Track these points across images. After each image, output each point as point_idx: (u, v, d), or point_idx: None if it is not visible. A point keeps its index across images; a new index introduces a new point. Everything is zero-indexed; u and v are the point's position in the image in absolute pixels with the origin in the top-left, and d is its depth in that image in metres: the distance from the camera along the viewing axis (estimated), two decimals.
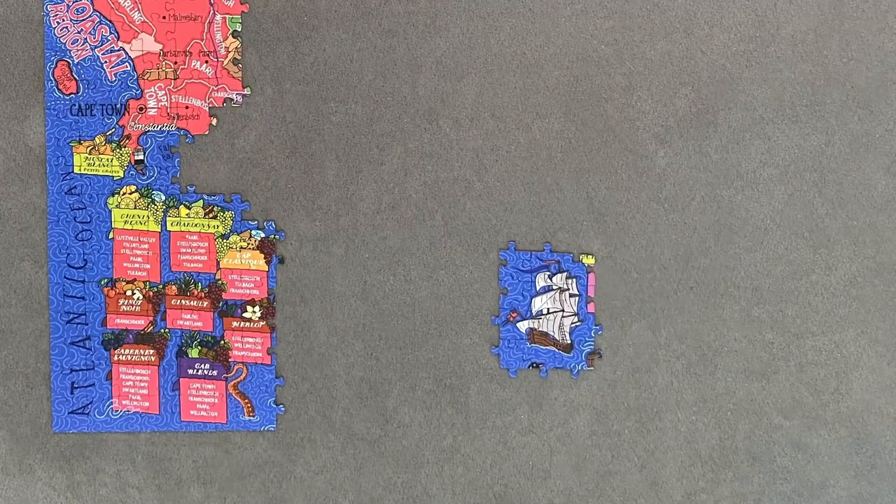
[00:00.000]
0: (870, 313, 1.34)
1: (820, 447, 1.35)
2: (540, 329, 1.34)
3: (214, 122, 1.34)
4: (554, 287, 1.33)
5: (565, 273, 1.34)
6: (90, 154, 1.33)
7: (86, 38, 1.33)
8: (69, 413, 1.34)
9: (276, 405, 1.34)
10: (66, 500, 1.34)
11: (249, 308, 1.34)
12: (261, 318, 1.34)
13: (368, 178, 1.34)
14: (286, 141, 1.34)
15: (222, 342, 1.34)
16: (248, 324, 1.34)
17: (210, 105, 1.34)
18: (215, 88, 1.34)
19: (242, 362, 1.34)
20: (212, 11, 1.33)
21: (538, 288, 1.34)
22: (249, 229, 1.34)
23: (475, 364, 1.35)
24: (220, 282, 1.34)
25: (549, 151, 1.34)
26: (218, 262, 1.34)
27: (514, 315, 1.34)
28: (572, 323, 1.34)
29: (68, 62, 1.33)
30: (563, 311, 1.33)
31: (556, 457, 1.35)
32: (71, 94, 1.33)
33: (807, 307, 1.34)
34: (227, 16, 1.34)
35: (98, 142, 1.33)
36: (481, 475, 1.35)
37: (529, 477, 1.35)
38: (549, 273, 1.34)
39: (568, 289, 1.33)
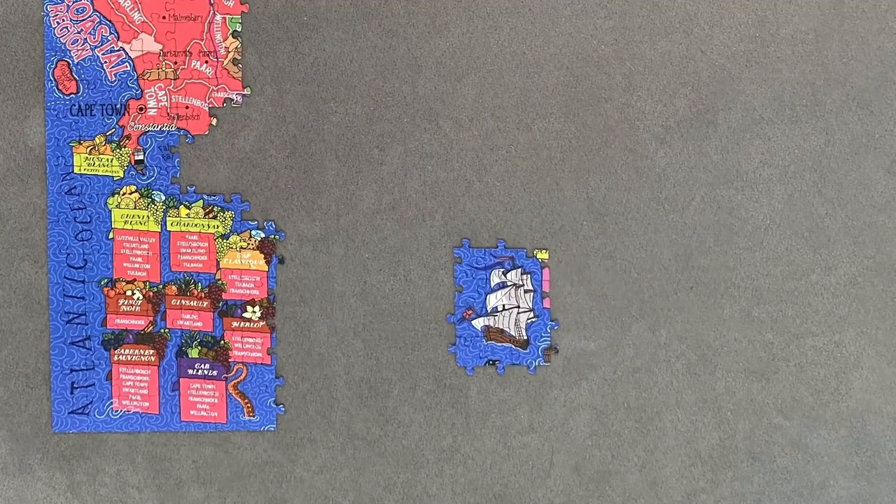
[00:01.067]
0: (870, 313, 1.34)
1: (820, 447, 1.35)
2: (496, 326, 1.34)
3: (214, 122, 1.34)
4: (508, 283, 1.33)
5: (519, 269, 1.34)
6: (90, 154, 1.33)
7: (86, 38, 1.33)
8: (69, 413, 1.34)
9: (276, 405, 1.34)
10: (66, 500, 1.34)
11: (249, 308, 1.34)
12: (261, 318, 1.34)
13: (368, 178, 1.34)
14: (286, 141, 1.34)
15: (222, 342, 1.34)
16: (248, 324, 1.34)
17: (210, 105, 1.34)
18: (215, 88, 1.34)
19: (242, 362, 1.34)
20: (212, 11, 1.33)
21: (493, 285, 1.34)
22: (249, 229, 1.34)
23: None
24: (220, 282, 1.34)
25: (549, 151, 1.34)
26: (218, 262, 1.34)
27: (469, 313, 1.34)
28: (528, 319, 1.34)
29: (68, 62, 1.33)
30: (518, 307, 1.33)
31: (556, 457, 1.35)
32: (71, 94, 1.33)
33: (807, 307, 1.34)
34: (227, 16, 1.34)
35: (98, 142, 1.33)
36: (481, 475, 1.35)
37: (529, 477, 1.35)
38: (503, 269, 1.34)
39: (523, 285, 1.34)
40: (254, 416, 1.34)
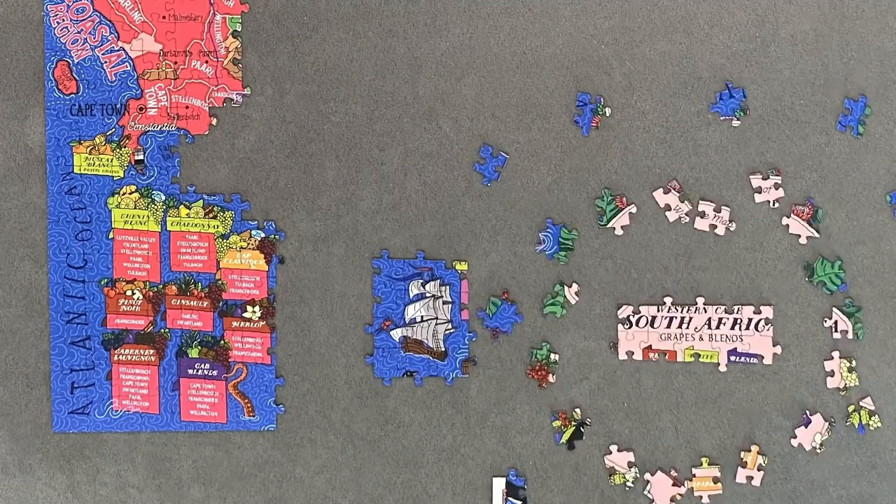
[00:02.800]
0: (870, 313, 1.34)
1: (820, 447, 1.35)
2: (414, 337, 1.33)
3: (214, 122, 1.34)
4: (427, 295, 1.33)
5: (438, 280, 1.34)
6: (90, 154, 1.33)
7: (86, 38, 1.33)
8: (69, 413, 1.34)
9: (276, 405, 1.34)
10: (66, 500, 1.34)
11: (249, 308, 1.34)
12: (261, 318, 1.34)
13: (368, 178, 1.34)
14: (286, 141, 1.34)
15: (222, 342, 1.34)
16: (248, 324, 1.34)
17: (210, 105, 1.34)
18: (215, 88, 1.34)
19: (242, 362, 1.34)
20: (212, 11, 1.33)
21: (411, 296, 1.33)
22: (249, 229, 1.34)
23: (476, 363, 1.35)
24: (220, 282, 1.34)
25: (549, 151, 1.34)
26: (218, 262, 1.34)
27: (387, 324, 1.33)
28: (446, 330, 1.34)
29: (68, 62, 1.33)
30: (436, 318, 1.33)
31: (556, 456, 1.35)
32: (71, 94, 1.33)
33: (807, 307, 1.34)
34: (227, 16, 1.34)
35: (98, 142, 1.33)
36: (481, 475, 1.35)
37: (529, 477, 1.35)
38: (421, 280, 1.33)
39: (441, 296, 1.34)
40: (254, 416, 1.34)
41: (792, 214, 1.31)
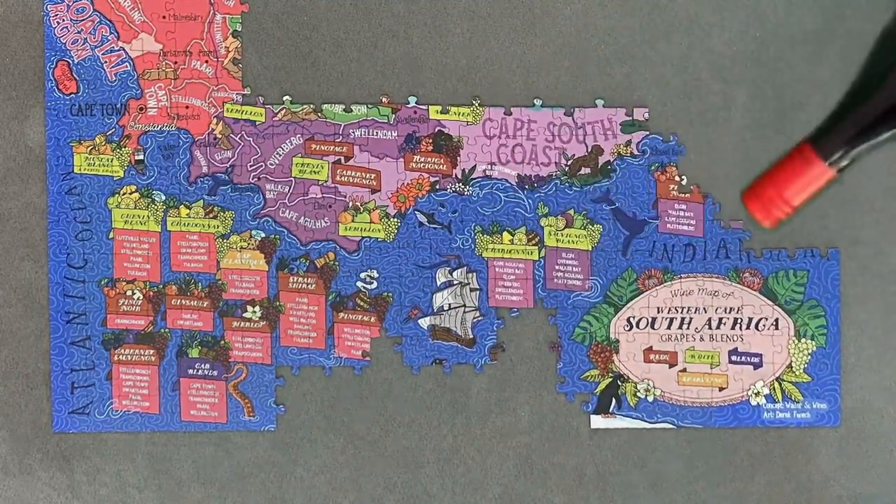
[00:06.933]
0: (870, 313, 1.34)
1: (820, 447, 1.35)
2: (442, 325, 1.33)
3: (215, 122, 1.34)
4: (455, 282, 1.33)
5: (465, 267, 1.33)
6: (90, 154, 1.33)
7: (86, 38, 1.33)
8: (69, 413, 1.34)
9: (276, 405, 1.34)
10: (66, 500, 1.34)
11: (249, 308, 1.34)
12: (261, 318, 1.34)
13: None
14: None
15: (222, 342, 1.34)
16: (248, 324, 1.34)
17: (210, 105, 1.34)
18: (215, 88, 1.34)
19: (242, 362, 1.34)
20: (212, 11, 1.33)
21: (438, 283, 1.33)
22: (249, 229, 1.34)
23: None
24: (220, 282, 1.34)
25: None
26: (218, 262, 1.34)
27: (415, 312, 1.34)
28: (474, 318, 1.33)
29: (68, 62, 1.33)
30: (464, 306, 1.33)
31: (555, 457, 1.35)
32: (71, 94, 1.33)
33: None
34: (227, 16, 1.34)
35: (98, 142, 1.33)
36: (481, 475, 1.35)
37: (529, 477, 1.35)
38: (449, 268, 1.33)
39: (468, 283, 1.33)
40: (254, 416, 1.34)
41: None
